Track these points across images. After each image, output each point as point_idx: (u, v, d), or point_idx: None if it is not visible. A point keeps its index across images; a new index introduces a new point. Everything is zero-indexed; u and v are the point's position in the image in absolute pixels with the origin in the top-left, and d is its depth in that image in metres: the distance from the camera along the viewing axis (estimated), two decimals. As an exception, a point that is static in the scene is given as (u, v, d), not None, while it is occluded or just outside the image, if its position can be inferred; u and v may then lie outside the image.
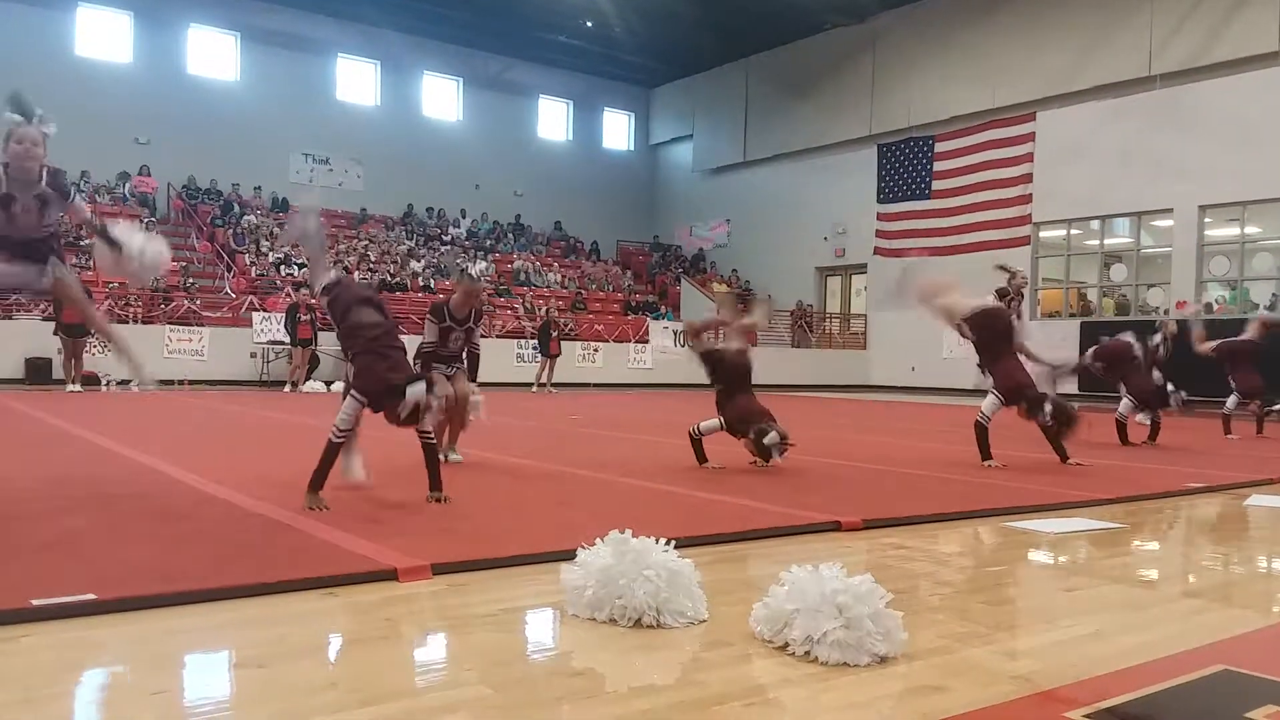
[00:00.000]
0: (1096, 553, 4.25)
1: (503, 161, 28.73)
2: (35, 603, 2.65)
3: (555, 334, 18.94)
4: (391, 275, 23.12)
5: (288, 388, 15.96)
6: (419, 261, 24.51)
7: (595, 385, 21.12)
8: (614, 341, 22.74)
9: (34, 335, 15.39)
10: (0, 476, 5.33)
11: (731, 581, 3.29)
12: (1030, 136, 21.72)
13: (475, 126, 28.69)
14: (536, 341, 19.19)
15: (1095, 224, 21.42)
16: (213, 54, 25.09)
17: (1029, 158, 21.73)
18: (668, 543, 2.88)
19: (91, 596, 2.72)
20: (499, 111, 28.76)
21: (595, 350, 22.04)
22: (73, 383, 14.48)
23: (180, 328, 17.79)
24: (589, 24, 25.93)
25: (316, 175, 26.37)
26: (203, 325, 18.20)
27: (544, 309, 20.78)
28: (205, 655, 2.55)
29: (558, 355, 18.70)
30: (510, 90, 29.16)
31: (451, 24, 26.10)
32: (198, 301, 19.01)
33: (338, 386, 16.33)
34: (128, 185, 23.43)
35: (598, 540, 2.90)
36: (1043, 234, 22.09)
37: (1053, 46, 21.31)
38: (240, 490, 4.85)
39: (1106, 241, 21.42)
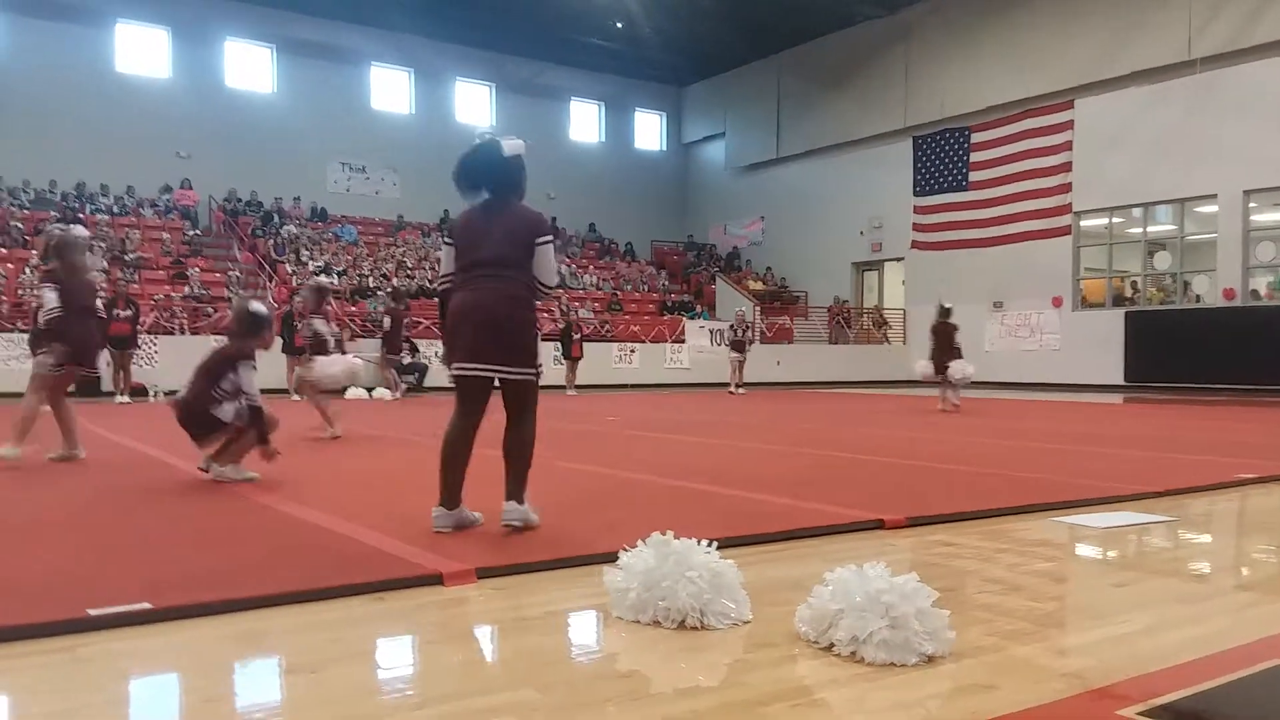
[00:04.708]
0: (1146, 547, 4.19)
1: (535, 164, 28.08)
2: (92, 612, 2.71)
3: (578, 336, 18.92)
4: (430, 281, 23.31)
5: (296, 397, 15.79)
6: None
7: (632, 386, 21.15)
8: (650, 342, 22.75)
9: (83, 348, 15.70)
10: (54, 488, 5.46)
11: (774, 582, 3.28)
12: (1069, 124, 21.40)
13: (508, 131, 28.13)
14: (559, 345, 18.92)
15: (1137, 212, 21.07)
16: (249, 67, 25.46)
17: (1068, 146, 21.41)
18: (710, 544, 2.89)
19: (146, 605, 2.78)
20: (531, 115, 28.86)
21: (632, 351, 22.06)
22: (121, 394, 14.75)
23: (224, 338, 17.95)
24: (619, 25, 25.95)
25: (353, 184, 26.67)
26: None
27: (566, 311, 20.60)
28: (258, 661, 2.59)
29: (580, 358, 18.68)
30: (542, 94, 29.27)
31: (482, 30, 26.26)
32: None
33: (379, 392, 16.44)
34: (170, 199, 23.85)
35: (640, 542, 2.91)
36: (1084, 223, 21.77)
37: (1089, 32, 20.99)
38: (286, 497, 4.92)
39: (1149, 229, 21.07)
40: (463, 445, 3.96)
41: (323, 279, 10.16)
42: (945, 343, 12.99)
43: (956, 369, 12.82)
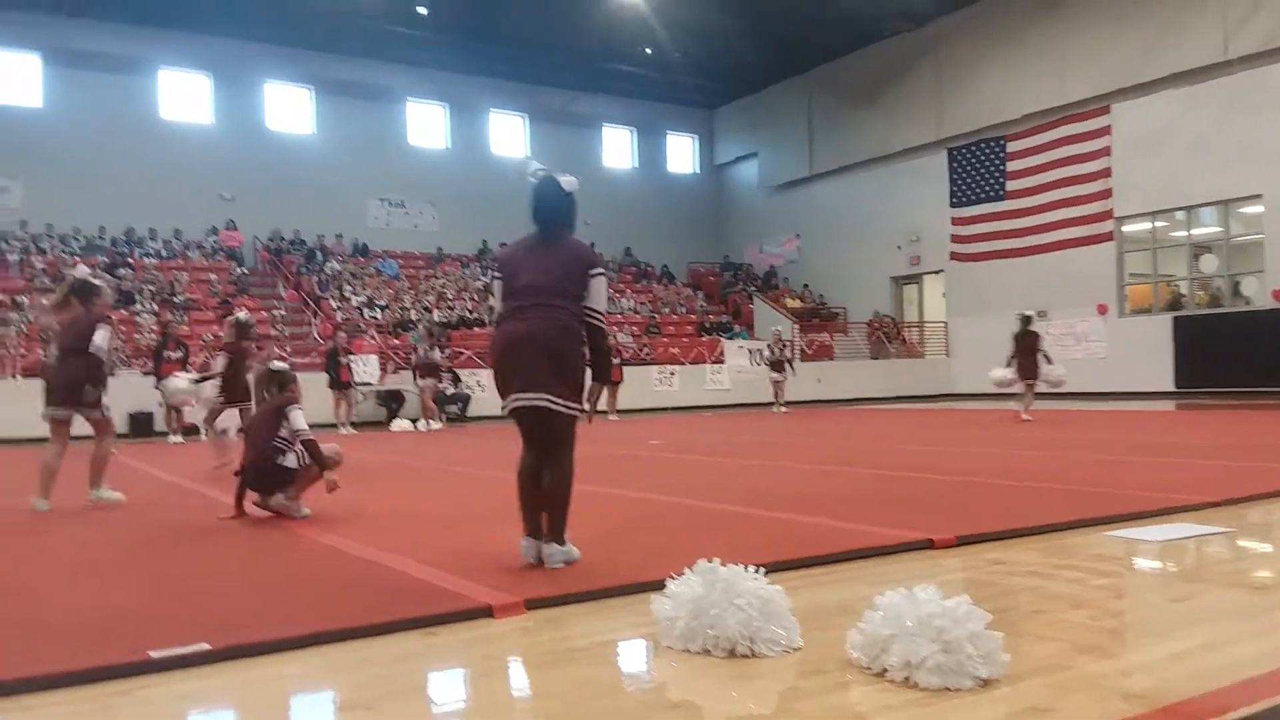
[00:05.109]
0: (1205, 559, 4.10)
1: (572, 192, 29.00)
2: (153, 654, 2.75)
3: (617, 361, 18.96)
4: (470, 312, 23.55)
5: (344, 429, 15.95)
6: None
7: (673, 409, 21.12)
8: (690, 364, 22.73)
9: (136, 391, 16.01)
10: (107, 528, 5.56)
11: (823, 606, 3.26)
12: (1106, 130, 21.14)
13: (543, 160, 28.03)
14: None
15: (1180, 215, 20.71)
16: (289, 109, 25.98)
17: (1106, 151, 21.14)
18: (757, 569, 2.88)
19: (205, 646, 2.82)
20: (565, 143, 29.09)
21: (671, 373, 22.04)
22: (174, 434, 15.02)
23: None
24: (648, 51, 26.13)
25: (393, 219, 27.06)
26: (294, 370, 18.63)
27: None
28: (314, 698, 2.62)
29: (619, 382, 18.67)
30: (575, 122, 29.52)
31: (515, 62, 26.57)
32: (288, 347, 19.58)
33: (424, 424, 16.62)
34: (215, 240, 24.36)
35: (686, 570, 2.91)
36: (1125, 228, 21.43)
37: (1123, 37, 20.75)
38: (335, 532, 4.98)
39: (1193, 232, 20.70)
40: (535, 478, 4.04)
41: (242, 315, 10.04)
42: (1029, 351, 13.28)
43: (1052, 373, 13.31)
